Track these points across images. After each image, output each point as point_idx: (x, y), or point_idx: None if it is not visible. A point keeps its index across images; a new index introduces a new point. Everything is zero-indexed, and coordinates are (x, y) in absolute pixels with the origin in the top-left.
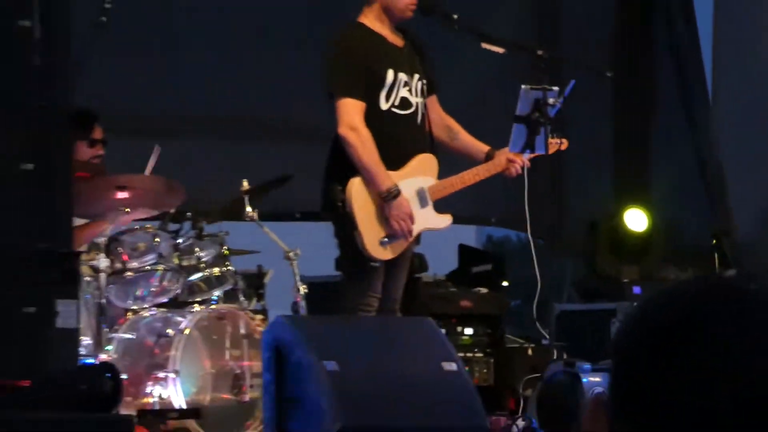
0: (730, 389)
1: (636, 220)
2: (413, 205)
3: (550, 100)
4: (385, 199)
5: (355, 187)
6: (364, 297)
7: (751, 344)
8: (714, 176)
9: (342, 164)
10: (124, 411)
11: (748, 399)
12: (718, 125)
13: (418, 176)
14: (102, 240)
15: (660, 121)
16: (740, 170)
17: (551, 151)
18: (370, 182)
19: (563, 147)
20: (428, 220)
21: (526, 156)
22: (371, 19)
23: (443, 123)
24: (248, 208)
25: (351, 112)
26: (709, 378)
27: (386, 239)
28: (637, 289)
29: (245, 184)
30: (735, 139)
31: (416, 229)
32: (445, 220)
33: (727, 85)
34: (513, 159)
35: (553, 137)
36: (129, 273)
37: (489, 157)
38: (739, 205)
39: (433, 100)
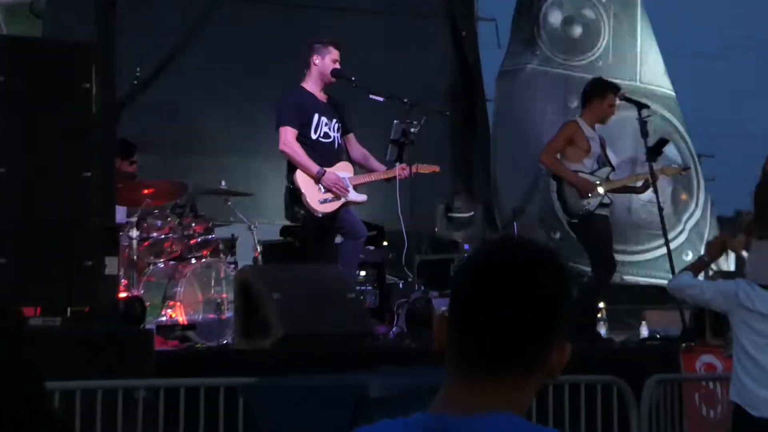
0: (522, 310)
1: (465, 204)
2: None
3: (412, 129)
4: (317, 179)
5: (300, 174)
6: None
7: (539, 281)
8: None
9: (291, 166)
10: (148, 326)
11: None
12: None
13: (340, 171)
14: (134, 219)
15: (479, 141)
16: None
17: (429, 171)
18: (306, 172)
19: (437, 170)
20: (351, 195)
21: (399, 168)
22: (309, 84)
23: (360, 151)
24: (225, 199)
25: (285, 134)
26: (511, 300)
27: (325, 200)
28: (466, 246)
29: (223, 183)
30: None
31: (343, 200)
32: (362, 197)
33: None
34: (404, 169)
35: (430, 164)
36: (151, 239)
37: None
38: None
39: (350, 137)
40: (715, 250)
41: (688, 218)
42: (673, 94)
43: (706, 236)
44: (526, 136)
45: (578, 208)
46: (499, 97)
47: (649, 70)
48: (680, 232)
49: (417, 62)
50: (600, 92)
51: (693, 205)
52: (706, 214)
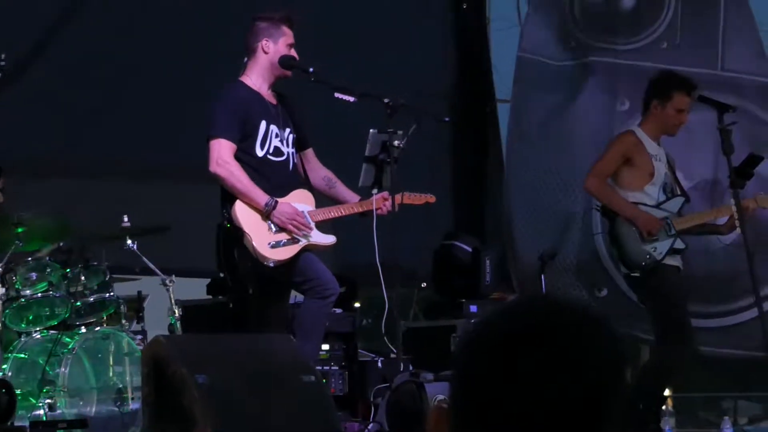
0: (563, 397)
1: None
2: None
3: (396, 142)
4: (266, 213)
5: (241, 207)
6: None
7: (585, 356)
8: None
9: (227, 195)
10: (18, 423)
11: (575, 405)
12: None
13: (298, 203)
14: None
15: (493, 159)
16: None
17: (420, 202)
18: (250, 203)
19: (431, 200)
20: (315, 237)
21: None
22: (252, 78)
23: (321, 173)
24: (128, 241)
25: (219, 149)
26: (547, 385)
27: (277, 243)
28: (473, 308)
29: (126, 219)
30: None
31: (303, 243)
32: (329, 239)
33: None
34: (385, 199)
35: (422, 192)
36: (23, 299)
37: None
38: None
39: (309, 154)
40: None
41: None
42: None
43: None
44: (554, 151)
45: (640, 256)
46: (516, 96)
47: (736, 51)
48: None
49: (403, 47)
50: (661, 92)
51: None
52: None
